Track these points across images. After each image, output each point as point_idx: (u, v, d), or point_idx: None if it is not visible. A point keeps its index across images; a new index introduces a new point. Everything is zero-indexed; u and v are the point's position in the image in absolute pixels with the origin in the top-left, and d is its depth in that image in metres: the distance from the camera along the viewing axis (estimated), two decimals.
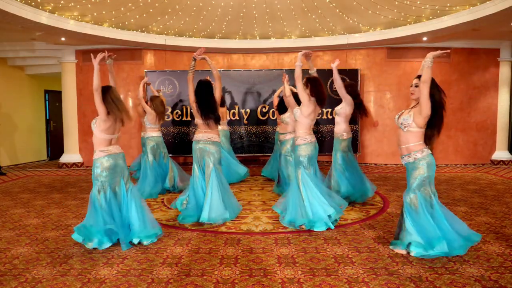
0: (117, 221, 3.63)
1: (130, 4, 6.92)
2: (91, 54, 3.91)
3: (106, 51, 3.89)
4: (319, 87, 4.37)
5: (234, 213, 4.65)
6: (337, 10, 7.37)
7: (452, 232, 3.27)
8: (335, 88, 8.74)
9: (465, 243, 3.29)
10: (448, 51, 3.70)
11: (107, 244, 3.60)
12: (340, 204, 4.34)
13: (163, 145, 6.35)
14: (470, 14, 6.62)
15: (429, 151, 3.42)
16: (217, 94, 4.63)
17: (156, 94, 6.83)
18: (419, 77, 3.42)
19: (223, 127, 7.07)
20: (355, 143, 8.84)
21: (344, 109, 5.18)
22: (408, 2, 6.71)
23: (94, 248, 3.59)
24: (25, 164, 9.87)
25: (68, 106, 9.13)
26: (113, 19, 7.50)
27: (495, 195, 5.80)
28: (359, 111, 5.30)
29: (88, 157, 9.28)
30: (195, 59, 4.52)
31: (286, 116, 5.84)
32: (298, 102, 4.53)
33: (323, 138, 8.77)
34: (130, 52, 9.04)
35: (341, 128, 5.21)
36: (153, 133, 6.23)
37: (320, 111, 5.36)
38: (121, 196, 3.74)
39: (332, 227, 4.13)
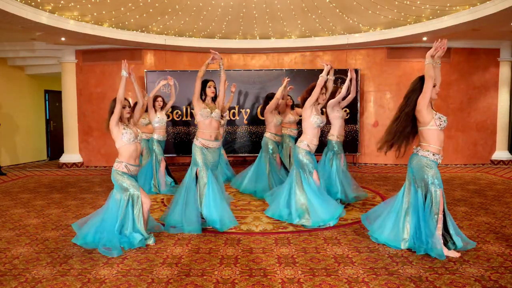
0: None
1: (130, 4, 6.92)
2: (124, 62, 3.90)
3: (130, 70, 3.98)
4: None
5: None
6: (337, 10, 7.37)
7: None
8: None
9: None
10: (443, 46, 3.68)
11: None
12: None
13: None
14: (470, 14, 6.62)
15: None
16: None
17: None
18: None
19: None
20: (355, 143, 8.85)
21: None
22: (408, 2, 6.71)
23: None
24: (25, 164, 9.88)
25: (68, 106, 9.13)
26: (113, 19, 7.50)
27: (495, 195, 5.80)
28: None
29: (88, 157, 9.28)
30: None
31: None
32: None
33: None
34: (130, 52, 9.04)
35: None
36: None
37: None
38: None
39: None
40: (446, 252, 3.31)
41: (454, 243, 3.40)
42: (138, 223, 3.72)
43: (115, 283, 2.91)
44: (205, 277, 3.01)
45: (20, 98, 9.81)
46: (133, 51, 9.05)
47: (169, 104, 6.49)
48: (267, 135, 6.04)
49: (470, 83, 8.94)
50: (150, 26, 8.06)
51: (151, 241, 3.75)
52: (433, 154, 3.39)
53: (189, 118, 8.82)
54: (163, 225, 4.20)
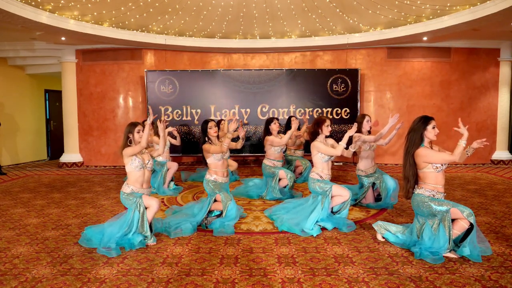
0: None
1: (130, 4, 6.92)
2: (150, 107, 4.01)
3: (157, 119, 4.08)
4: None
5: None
6: (337, 10, 7.37)
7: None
8: (335, 88, 8.82)
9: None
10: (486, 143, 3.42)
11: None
12: None
13: None
14: (470, 14, 6.62)
15: None
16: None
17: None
18: None
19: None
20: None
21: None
22: (408, 2, 6.71)
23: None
24: (26, 163, 9.88)
25: (68, 105, 9.14)
26: (113, 19, 7.50)
27: (495, 195, 5.80)
28: None
29: (88, 157, 9.29)
30: None
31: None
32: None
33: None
34: (130, 51, 9.04)
35: None
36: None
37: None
38: None
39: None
40: (446, 253, 3.30)
41: (461, 250, 3.28)
42: (142, 226, 3.75)
43: (115, 283, 2.91)
44: (205, 276, 3.01)
45: (21, 98, 9.81)
46: (133, 51, 9.05)
47: (174, 142, 6.88)
48: (266, 162, 5.70)
49: (470, 83, 8.93)
50: (150, 26, 8.07)
51: (151, 241, 3.75)
52: (427, 191, 3.37)
53: (189, 118, 8.81)
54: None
